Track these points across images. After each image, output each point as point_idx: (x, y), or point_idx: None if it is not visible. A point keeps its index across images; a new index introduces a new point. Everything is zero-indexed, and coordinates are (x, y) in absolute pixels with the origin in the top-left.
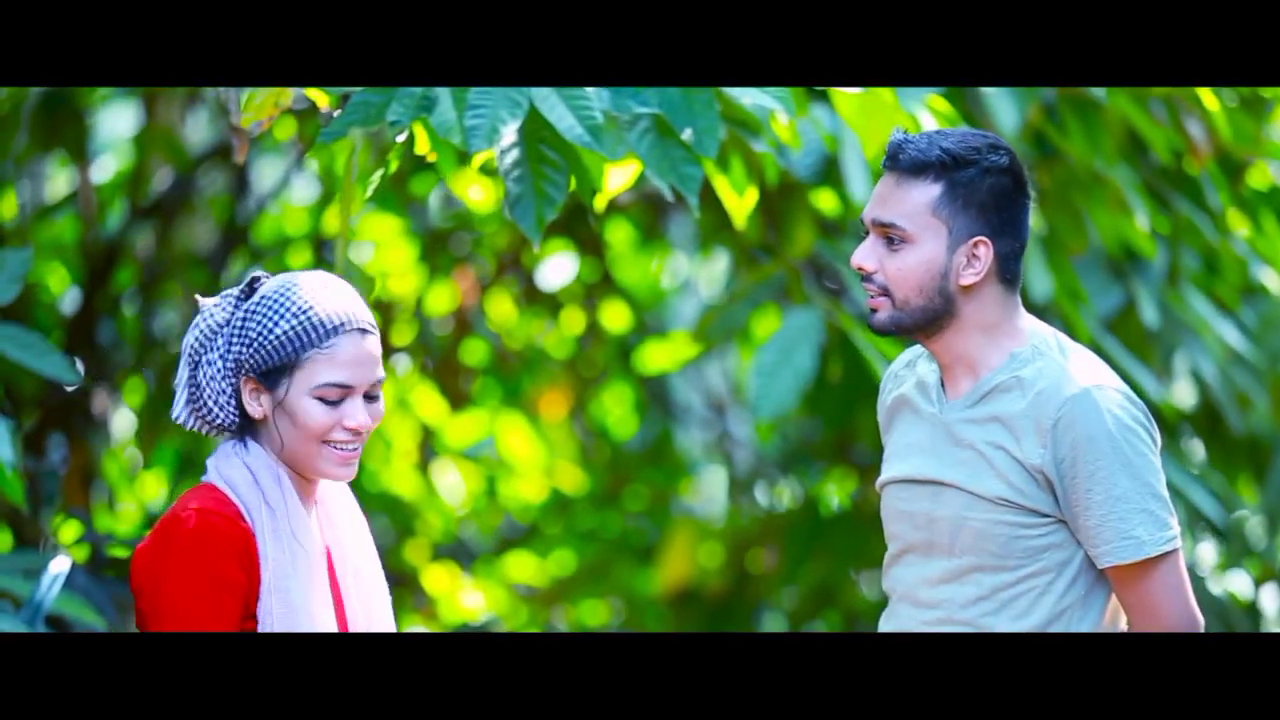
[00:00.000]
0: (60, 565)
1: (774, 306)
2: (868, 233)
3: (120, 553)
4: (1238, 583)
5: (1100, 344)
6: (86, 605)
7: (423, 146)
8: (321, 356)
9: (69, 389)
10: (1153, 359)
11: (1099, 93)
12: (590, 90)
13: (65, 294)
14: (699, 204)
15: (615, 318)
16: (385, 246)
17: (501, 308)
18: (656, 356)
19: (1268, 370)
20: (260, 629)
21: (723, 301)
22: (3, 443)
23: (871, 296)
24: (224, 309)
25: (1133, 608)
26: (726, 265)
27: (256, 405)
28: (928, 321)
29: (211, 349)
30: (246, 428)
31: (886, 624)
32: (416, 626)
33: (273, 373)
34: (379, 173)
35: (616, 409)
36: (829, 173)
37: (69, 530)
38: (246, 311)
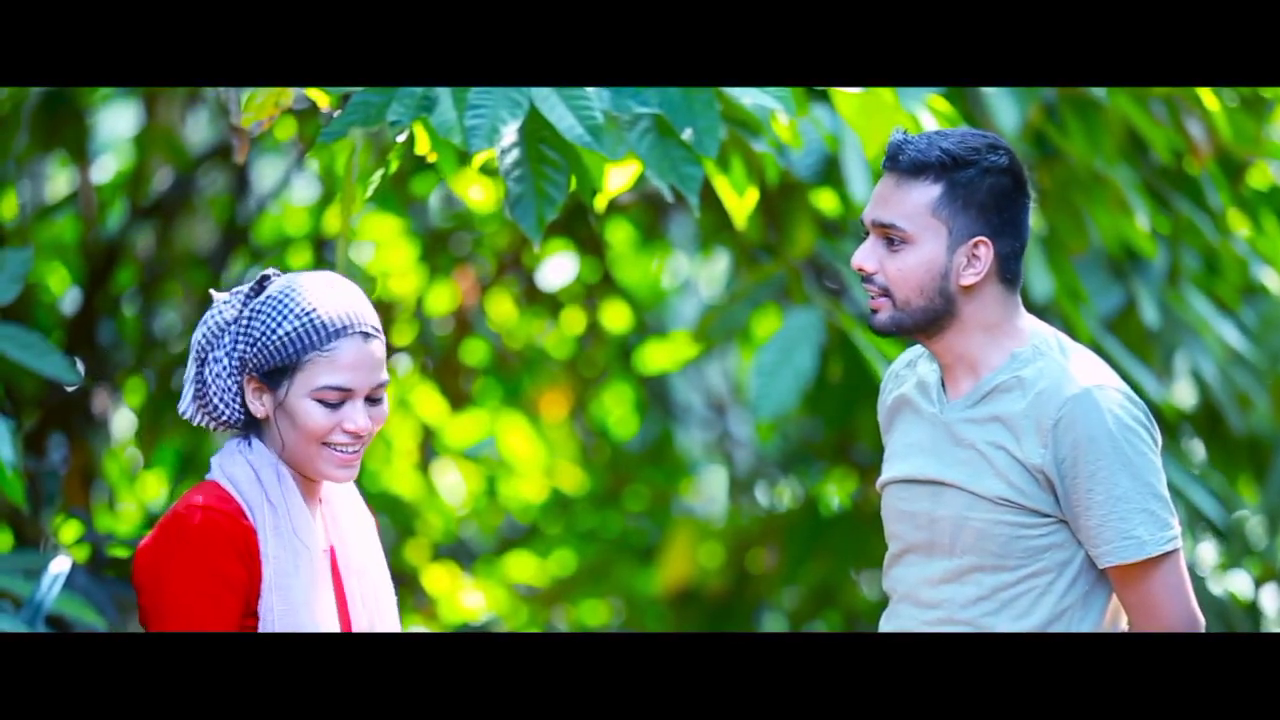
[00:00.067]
0: (60, 565)
1: (774, 306)
2: (868, 233)
3: (121, 553)
4: (1238, 583)
5: (1100, 344)
6: (87, 605)
7: (423, 146)
8: (322, 359)
9: (69, 389)
10: (1153, 359)
11: (1099, 93)
12: (590, 90)
13: (65, 294)
14: (699, 204)
15: (616, 318)
16: (386, 246)
17: (502, 308)
18: (657, 356)
19: (1268, 370)
20: (261, 626)
21: (723, 301)
22: (3, 443)
23: (872, 297)
24: (233, 306)
25: (1133, 608)
26: (727, 265)
27: (259, 404)
28: (928, 322)
29: (218, 346)
30: (252, 425)
31: (887, 624)
32: (417, 626)
33: (274, 373)
34: (379, 173)
35: (617, 409)
36: (829, 173)
37: (69, 530)
38: (252, 310)
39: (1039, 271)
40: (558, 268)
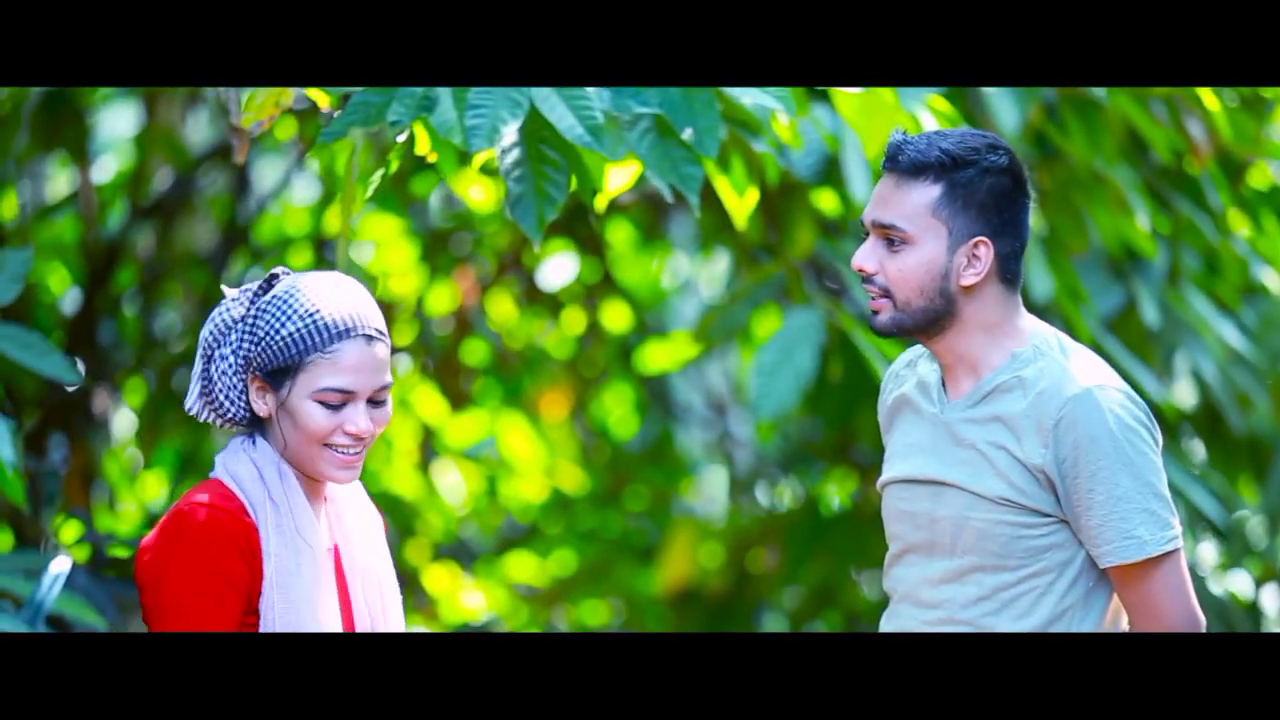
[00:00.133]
0: (61, 565)
1: (775, 306)
2: (867, 234)
3: (121, 553)
4: (1238, 583)
5: (1101, 344)
6: (87, 605)
7: (423, 146)
8: (324, 360)
9: (70, 389)
10: (1153, 359)
11: (1100, 93)
12: (591, 90)
13: (66, 294)
14: (700, 204)
15: (616, 318)
16: (386, 246)
17: (502, 308)
18: (657, 356)
19: (1268, 370)
20: (262, 624)
21: (723, 301)
22: (3, 443)
23: (873, 298)
24: (240, 304)
25: (1134, 607)
26: (727, 265)
27: (262, 403)
28: (929, 322)
29: (225, 343)
30: (257, 423)
31: (888, 624)
32: (417, 626)
33: (277, 373)
34: (379, 173)
35: (617, 409)
36: (830, 173)
37: (70, 530)
38: (258, 309)
39: (1039, 271)
40: (558, 268)
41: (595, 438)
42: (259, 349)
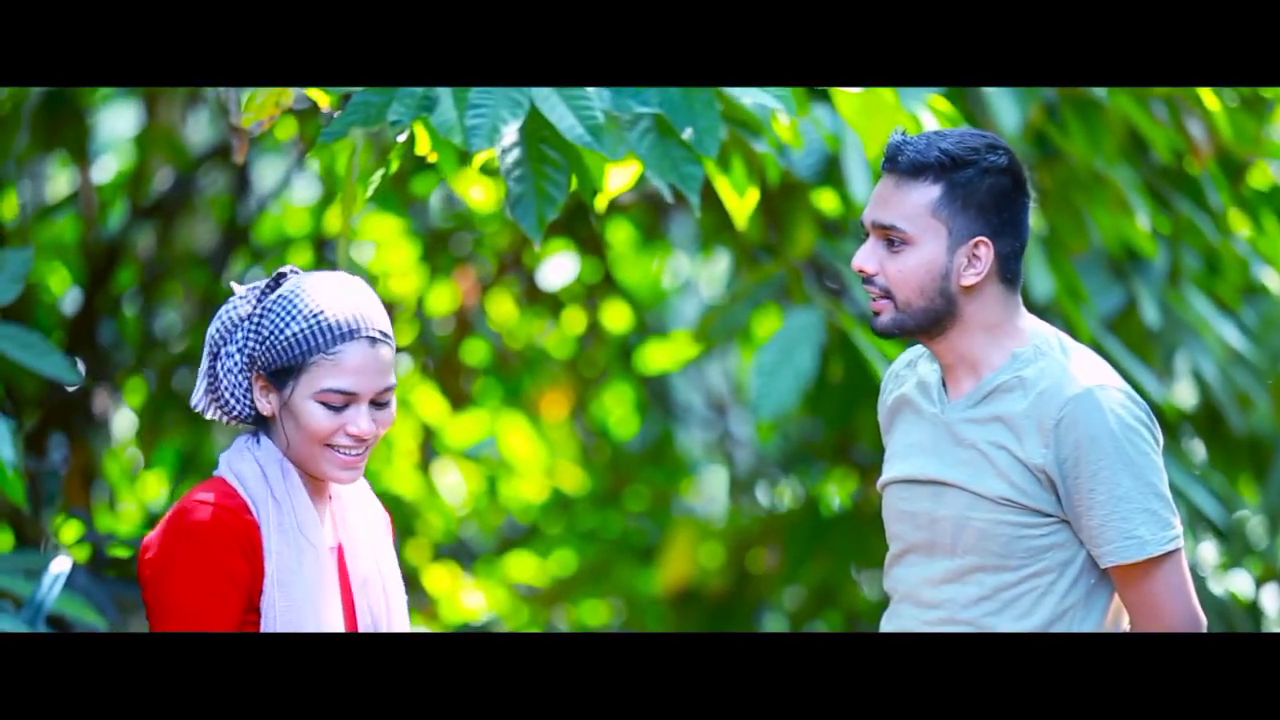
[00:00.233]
0: (61, 565)
1: (775, 306)
2: (867, 235)
3: (121, 553)
4: (1239, 582)
5: (1101, 344)
6: (87, 605)
7: (423, 146)
8: (327, 362)
9: (70, 389)
10: (1154, 359)
11: (1100, 93)
12: (591, 90)
13: (66, 294)
14: (700, 204)
15: (616, 318)
16: (386, 246)
17: (502, 308)
18: (657, 356)
19: (1269, 370)
20: (263, 623)
21: (724, 301)
22: (4, 443)
23: (874, 299)
24: (248, 302)
25: (1135, 607)
26: (727, 265)
27: (265, 402)
28: (930, 323)
29: (231, 341)
30: (262, 421)
31: (888, 624)
32: (417, 626)
33: (281, 372)
34: (380, 173)
35: (617, 409)
36: (830, 173)
37: (70, 530)
38: (263, 308)
39: (1040, 271)
40: (558, 268)
41: (595, 438)
42: (263, 348)
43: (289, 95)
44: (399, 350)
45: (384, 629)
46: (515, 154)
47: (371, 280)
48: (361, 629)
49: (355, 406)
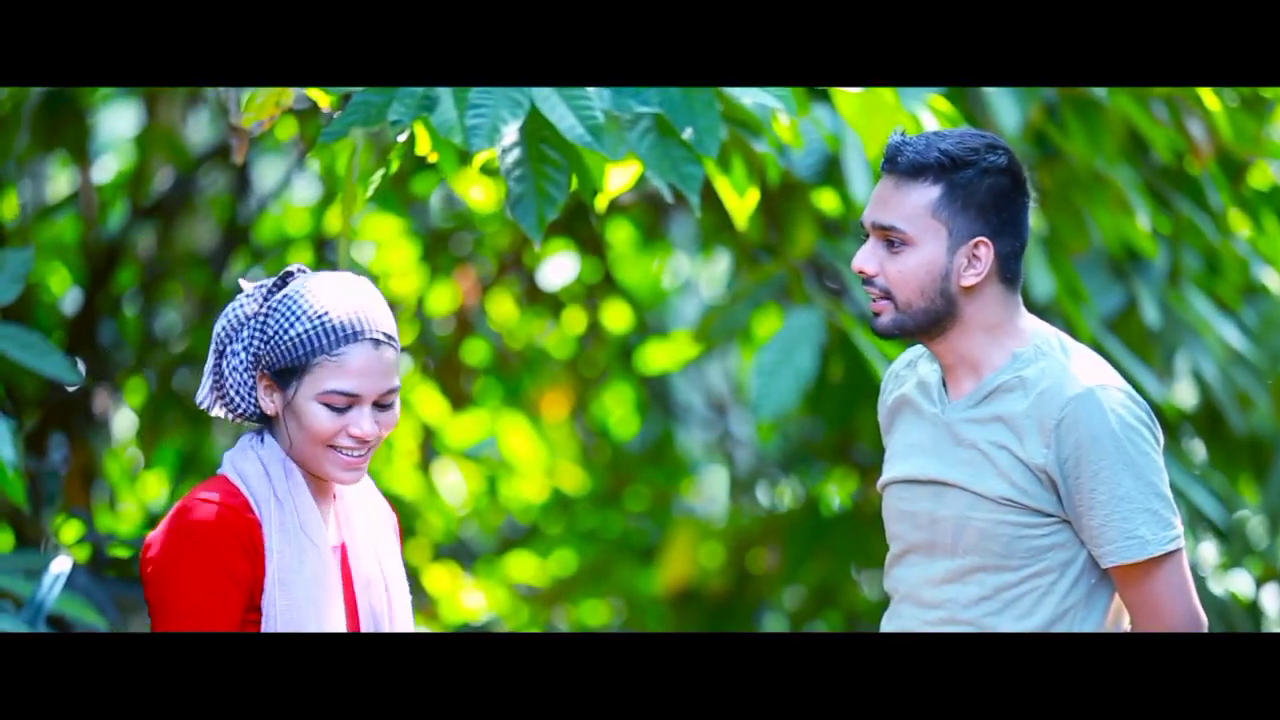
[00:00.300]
0: (61, 565)
1: (775, 306)
2: (867, 235)
3: (121, 553)
4: (1239, 582)
5: (1101, 344)
6: (88, 605)
7: (424, 146)
8: (331, 363)
9: (70, 389)
10: (1154, 359)
11: (1100, 93)
12: (591, 90)
13: (66, 294)
14: (700, 204)
15: (616, 318)
16: (386, 246)
17: (503, 308)
18: (658, 356)
19: (1269, 370)
20: (264, 621)
21: (724, 301)
22: (4, 443)
23: (874, 300)
24: (254, 300)
25: (1136, 607)
26: (728, 265)
27: (269, 401)
28: (930, 323)
29: (236, 339)
30: (267, 419)
31: (889, 624)
32: (418, 627)
33: (284, 373)
34: (380, 172)
35: (618, 409)
36: (830, 172)
37: (70, 530)
38: (269, 308)
39: (1040, 271)
40: (558, 268)
41: (595, 438)
42: (268, 347)
43: (289, 95)
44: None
45: (386, 629)
46: (515, 154)
47: (372, 280)
48: (364, 629)
49: (358, 408)
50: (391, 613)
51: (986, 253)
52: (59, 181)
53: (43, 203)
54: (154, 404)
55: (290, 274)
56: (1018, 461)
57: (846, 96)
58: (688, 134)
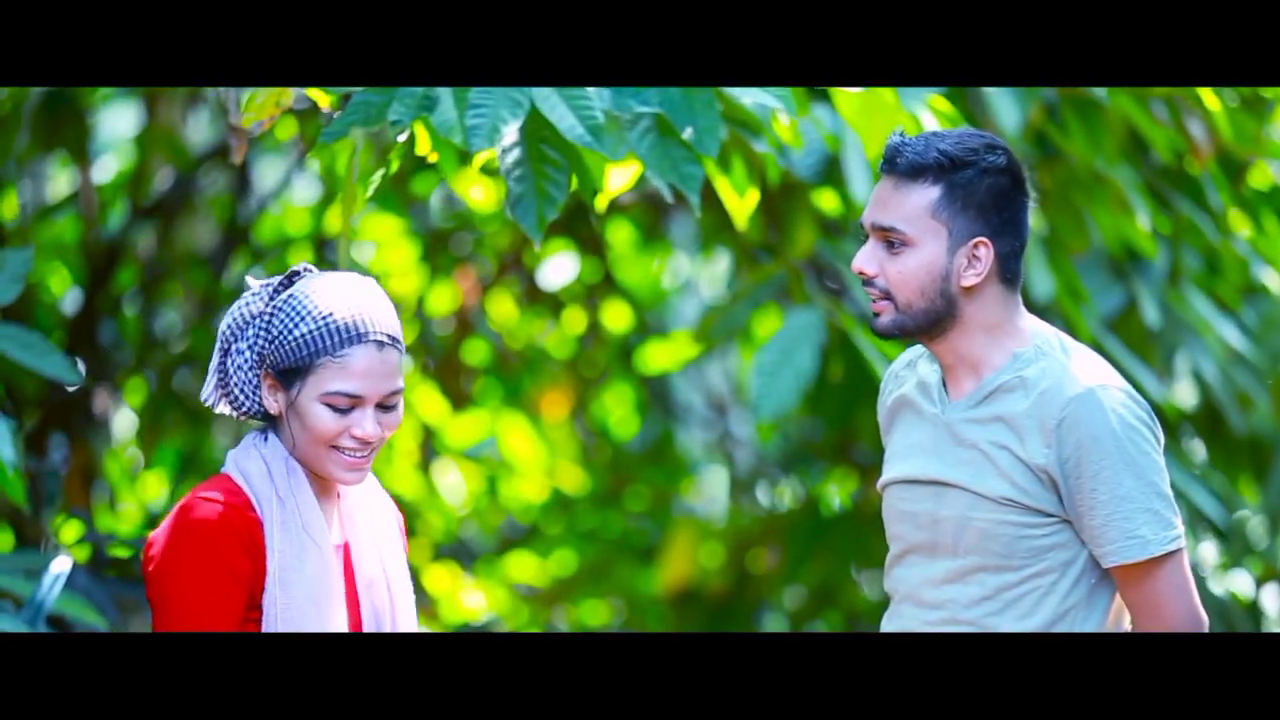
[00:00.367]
0: (61, 565)
1: (775, 306)
2: (867, 236)
3: (121, 553)
4: (1239, 582)
5: (1101, 344)
6: (88, 605)
7: (424, 146)
8: (334, 364)
9: (70, 389)
10: (1154, 359)
11: (1100, 93)
12: (591, 90)
13: (66, 294)
14: (700, 204)
15: (616, 318)
16: (386, 246)
17: (503, 308)
18: (658, 356)
19: (1269, 370)
20: (264, 619)
21: (724, 301)
22: (4, 443)
23: (874, 300)
24: (260, 299)
25: (1137, 607)
26: (728, 265)
27: (273, 401)
28: (930, 324)
29: (242, 338)
30: (271, 418)
31: (889, 624)
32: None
33: (288, 372)
34: (380, 172)
35: (618, 409)
36: (830, 172)
37: (70, 530)
38: (274, 307)
39: (1040, 271)
40: (559, 268)
41: (596, 438)
42: (272, 347)
43: (289, 95)
44: None
45: (389, 629)
46: (515, 154)
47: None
48: (366, 629)
49: (361, 409)
50: (394, 612)
51: (986, 253)
52: (59, 181)
53: (43, 203)
54: (154, 404)
55: (297, 273)
56: (1018, 461)
57: (846, 96)
58: (688, 134)
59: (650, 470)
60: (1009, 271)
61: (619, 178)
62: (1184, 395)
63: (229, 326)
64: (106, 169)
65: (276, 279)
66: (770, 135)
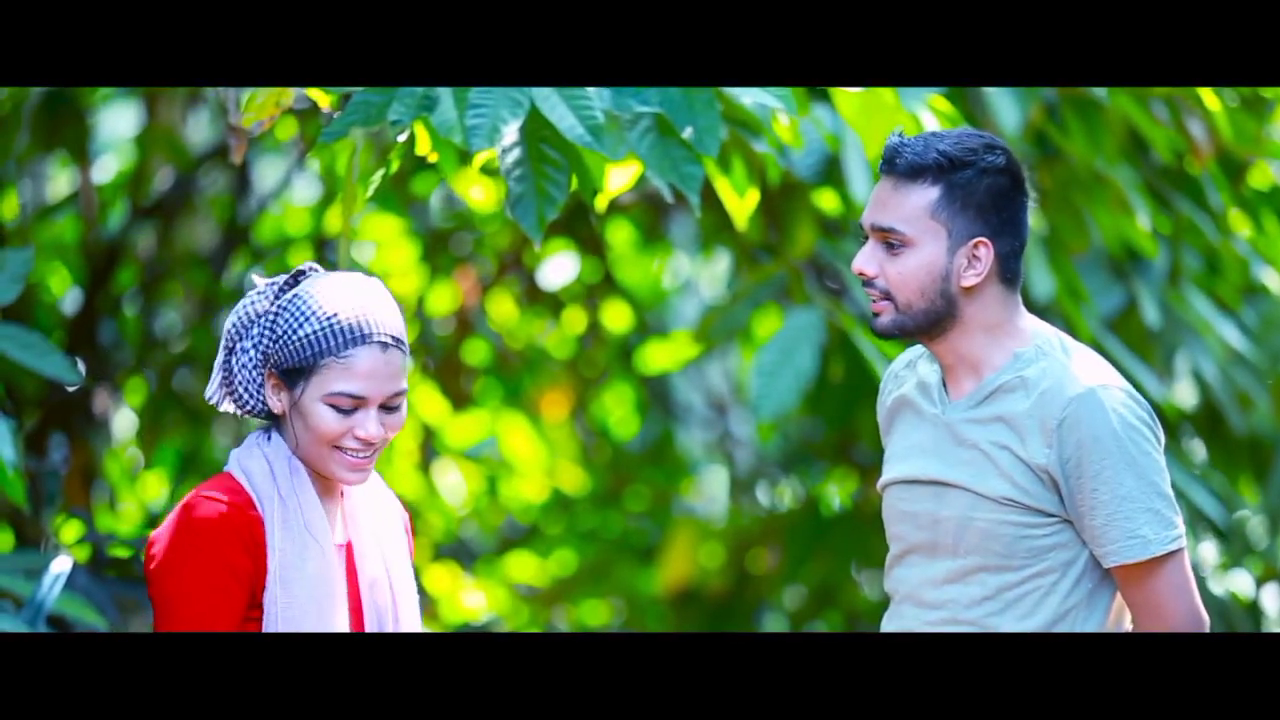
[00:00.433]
0: (61, 565)
1: (775, 306)
2: (867, 237)
3: (121, 553)
4: (1239, 582)
5: (1102, 344)
6: (88, 605)
7: (424, 146)
8: (338, 365)
9: (70, 389)
10: (1154, 359)
11: (1100, 93)
12: (591, 90)
13: (66, 294)
14: (700, 204)
15: (616, 318)
16: (386, 246)
17: (503, 308)
18: (658, 356)
19: (1269, 370)
20: (265, 618)
21: (724, 301)
22: (4, 443)
23: (874, 301)
24: (266, 298)
25: (1138, 607)
26: (728, 265)
27: (276, 400)
28: (931, 324)
29: (246, 336)
30: (275, 417)
31: (889, 625)
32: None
33: (292, 372)
34: (380, 172)
35: (618, 409)
36: (830, 172)
37: (70, 530)
38: (279, 307)
39: (1040, 271)
40: (559, 268)
41: (596, 438)
42: (276, 346)
43: (289, 95)
44: None
45: (389, 628)
46: (515, 154)
47: None
48: (368, 628)
49: (364, 410)
50: (397, 612)
51: (986, 253)
52: (59, 181)
53: (43, 203)
54: (154, 404)
55: (303, 272)
56: (1019, 461)
57: (846, 96)
58: (688, 134)
59: (650, 470)
60: (1009, 271)
61: (619, 178)
62: (1184, 395)
63: (234, 325)
64: (106, 169)
65: (282, 278)
66: (770, 135)
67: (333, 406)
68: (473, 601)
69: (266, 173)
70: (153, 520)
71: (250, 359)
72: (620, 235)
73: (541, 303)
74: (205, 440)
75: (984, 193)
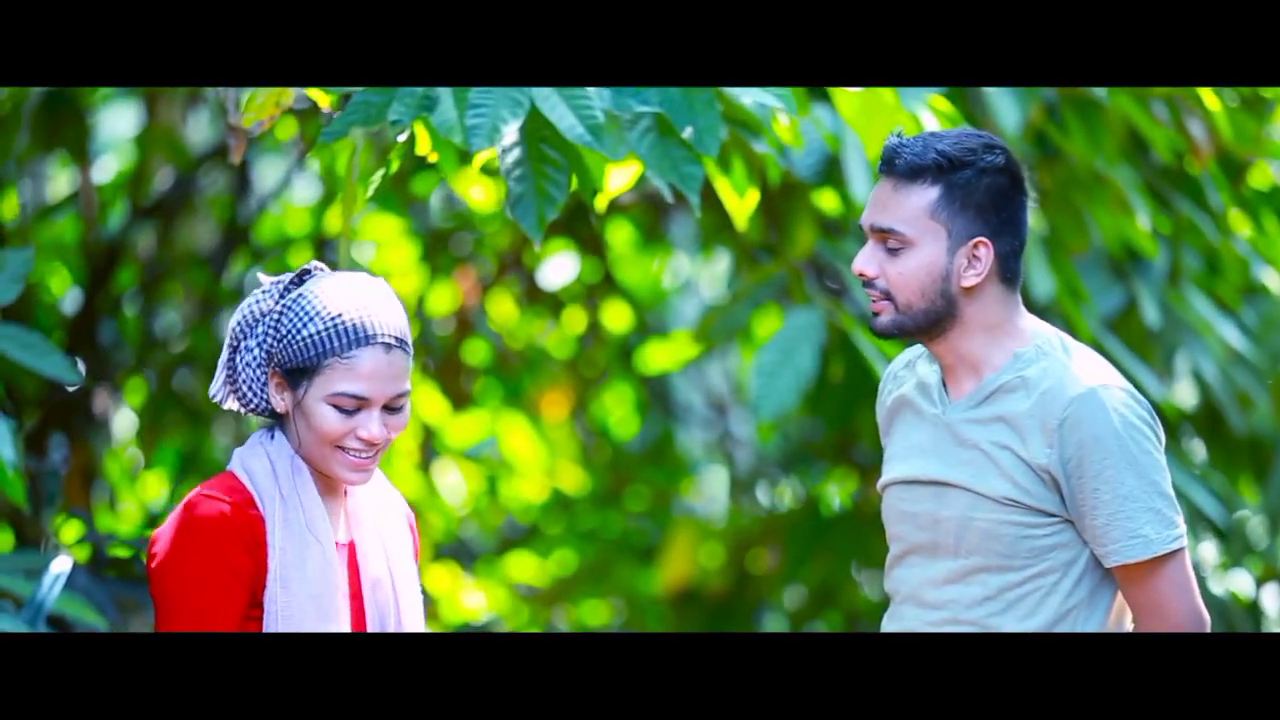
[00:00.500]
0: (61, 565)
1: (775, 306)
2: (866, 237)
3: (121, 553)
4: (1239, 582)
5: (1102, 344)
6: (88, 605)
7: (424, 146)
8: (341, 365)
9: (70, 389)
10: (1154, 359)
11: (1100, 93)
12: (591, 90)
13: (66, 294)
14: (700, 204)
15: (616, 318)
16: (386, 246)
17: (503, 308)
18: (658, 356)
19: (1269, 370)
20: (265, 617)
21: (724, 301)
22: (4, 443)
23: (874, 301)
24: (271, 297)
25: (1140, 607)
26: (728, 265)
27: (280, 399)
28: (931, 324)
29: (251, 335)
30: (278, 416)
31: (890, 625)
32: None
33: (296, 372)
34: (380, 172)
35: (618, 409)
36: (830, 172)
37: (70, 530)
38: (284, 306)
39: (1040, 271)
40: (559, 267)
41: (596, 438)
42: (280, 346)
43: (289, 95)
44: None
45: (391, 628)
46: (515, 154)
47: None
48: (371, 628)
49: (367, 411)
50: (399, 612)
51: (986, 253)
52: (59, 181)
53: (43, 203)
54: (154, 404)
55: (308, 272)
56: (1020, 461)
57: (846, 96)
58: (688, 134)
59: (650, 470)
60: (1009, 271)
61: (619, 178)
62: (1184, 395)
63: (239, 323)
64: (106, 169)
65: (287, 277)
66: (770, 135)
67: (336, 407)
68: (473, 601)
69: (266, 173)
70: (153, 520)
71: (254, 358)
72: (620, 235)
73: (541, 303)
74: (205, 440)
75: (983, 193)
